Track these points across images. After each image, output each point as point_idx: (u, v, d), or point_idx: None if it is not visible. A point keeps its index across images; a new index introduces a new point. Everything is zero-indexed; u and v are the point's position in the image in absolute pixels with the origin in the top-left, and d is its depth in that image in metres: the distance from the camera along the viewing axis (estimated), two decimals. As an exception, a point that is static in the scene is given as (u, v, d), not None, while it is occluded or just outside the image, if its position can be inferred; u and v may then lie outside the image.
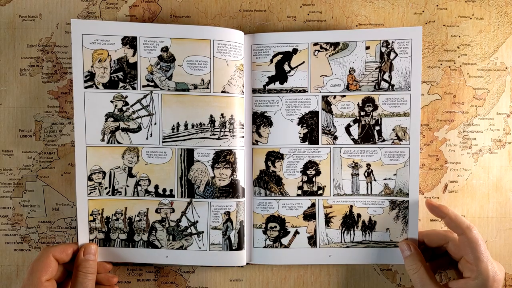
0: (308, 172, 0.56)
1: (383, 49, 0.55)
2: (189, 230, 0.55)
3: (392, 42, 0.54)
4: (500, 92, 0.57)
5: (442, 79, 0.57)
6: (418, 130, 0.54)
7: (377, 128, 0.55)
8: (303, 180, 0.56)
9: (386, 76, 0.55)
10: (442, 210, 0.52)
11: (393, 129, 0.55)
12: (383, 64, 0.55)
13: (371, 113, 0.55)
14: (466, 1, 0.57)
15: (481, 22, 0.57)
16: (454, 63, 0.57)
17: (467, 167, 0.58)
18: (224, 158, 0.54)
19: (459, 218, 0.51)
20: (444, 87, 0.57)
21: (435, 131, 0.57)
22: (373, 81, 0.55)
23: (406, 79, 0.54)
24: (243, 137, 0.55)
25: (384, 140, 0.55)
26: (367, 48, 0.55)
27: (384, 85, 0.55)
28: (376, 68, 0.55)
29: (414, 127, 0.54)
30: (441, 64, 0.57)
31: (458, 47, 0.57)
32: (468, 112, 0.57)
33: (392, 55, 0.54)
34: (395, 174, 0.55)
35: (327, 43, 0.55)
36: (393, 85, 0.55)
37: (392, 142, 0.55)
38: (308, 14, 0.57)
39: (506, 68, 0.57)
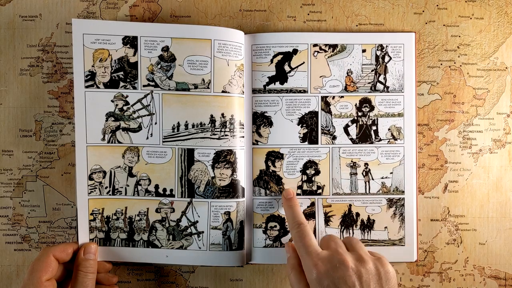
0: (308, 171, 0.56)
1: (378, 53, 0.56)
2: (189, 230, 0.55)
3: (386, 46, 0.56)
4: (500, 92, 0.57)
5: (442, 79, 0.57)
6: (412, 129, 0.56)
7: (374, 128, 0.56)
8: (303, 180, 0.56)
9: (381, 78, 0.56)
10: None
11: (389, 129, 0.56)
12: (378, 66, 0.56)
13: (368, 114, 0.56)
14: (466, 1, 0.57)
15: (481, 22, 0.57)
16: (454, 63, 0.57)
17: (467, 167, 0.57)
18: (224, 158, 0.54)
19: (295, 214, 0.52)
20: (444, 87, 0.57)
21: (435, 131, 0.57)
22: (369, 83, 0.56)
23: (399, 81, 0.56)
24: (243, 137, 0.55)
25: (380, 140, 0.56)
26: (364, 51, 0.56)
27: (379, 86, 0.56)
28: (372, 70, 0.56)
29: (407, 127, 0.56)
30: (441, 64, 0.57)
31: (458, 47, 0.57)
32: (468, 112, 0.57)
33: (386, 58, 0.56)
34: (391, 173, 0.56)
35: (326, 45, 0.55)
36: (387, 87, 0.56)
37: (388, 141, 0.56)
38: (308, 14, 0.57)
39: (506, 68, 0.57)
